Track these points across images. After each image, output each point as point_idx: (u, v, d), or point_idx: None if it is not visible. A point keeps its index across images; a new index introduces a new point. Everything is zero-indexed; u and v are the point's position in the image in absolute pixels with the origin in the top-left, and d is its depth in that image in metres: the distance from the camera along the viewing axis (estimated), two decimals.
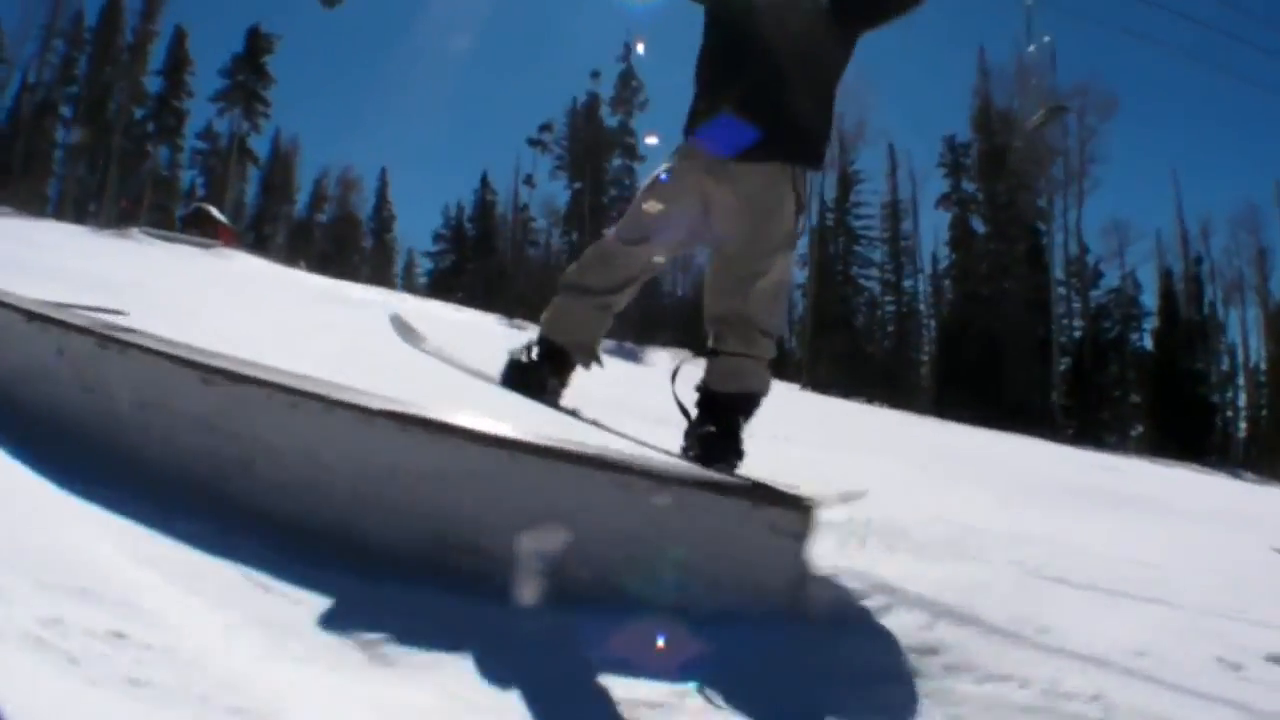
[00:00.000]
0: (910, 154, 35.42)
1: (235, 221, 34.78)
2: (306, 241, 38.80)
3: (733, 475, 1.89)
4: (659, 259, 2.46)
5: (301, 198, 41.49)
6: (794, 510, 1.67)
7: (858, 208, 35.05)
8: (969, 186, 33.73)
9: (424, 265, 41.92)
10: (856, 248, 35.12)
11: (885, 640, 1.66)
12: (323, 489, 1.70)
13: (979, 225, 33.44)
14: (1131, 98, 44.91)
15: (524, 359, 2.47)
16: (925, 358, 34.52)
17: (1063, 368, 31.38)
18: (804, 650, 1.58)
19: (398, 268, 41.82)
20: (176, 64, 36.26)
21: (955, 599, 1.84)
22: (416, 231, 60.29)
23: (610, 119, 37.28)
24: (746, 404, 2.33)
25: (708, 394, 2.33)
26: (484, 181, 40.57)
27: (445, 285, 36.02)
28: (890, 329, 35.28)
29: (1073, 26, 34.02)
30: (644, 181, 2.46)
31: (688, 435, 2.33)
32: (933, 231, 45.74)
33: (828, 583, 1.81)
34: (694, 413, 2.35)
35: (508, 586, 1.58)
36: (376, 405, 1.73)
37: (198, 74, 36.70)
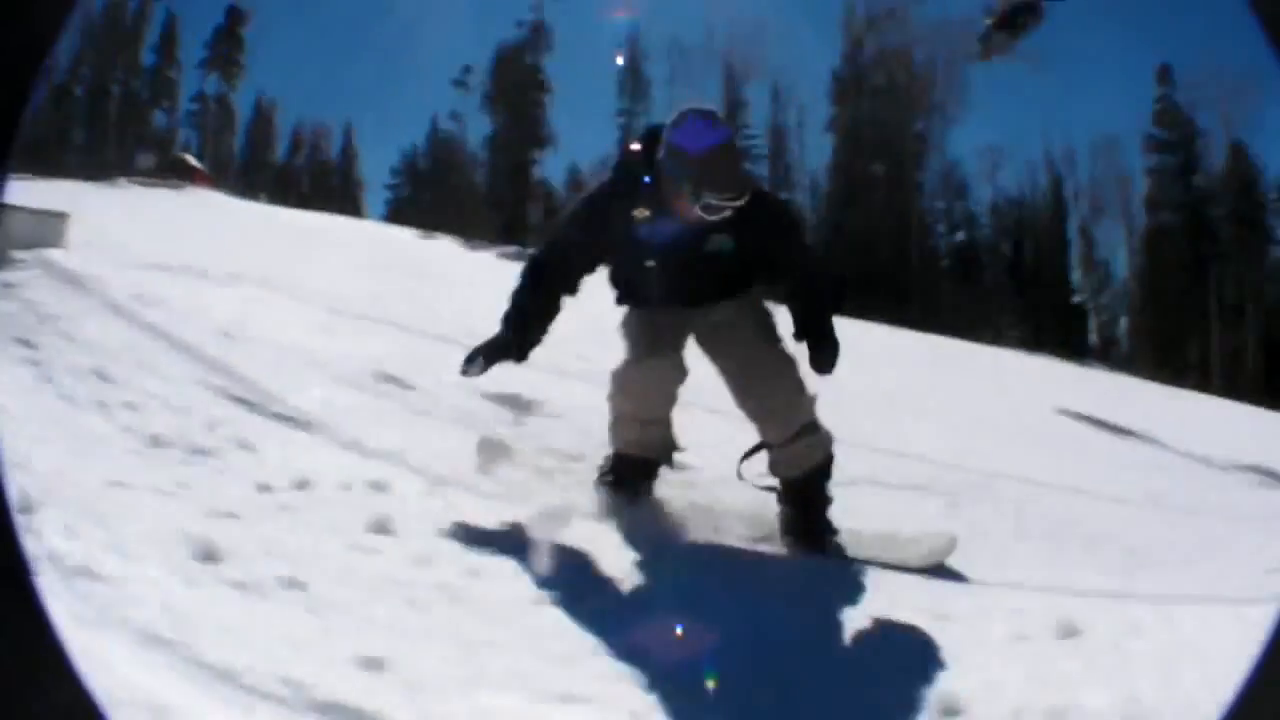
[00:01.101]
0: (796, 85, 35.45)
1: (221, 170, 37.28)
2: (288, 185, 42.02)
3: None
4: (679, 370, 2.44)
5: (282, 146, 44.68)
6: (53, 217, 4.56)
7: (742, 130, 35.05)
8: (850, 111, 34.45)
9: (383, 196, 44.40)
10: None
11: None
12: None
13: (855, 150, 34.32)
14: None
15: (610, 478, 2.54)
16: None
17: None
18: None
19: (362, 202, 44.54)
20: (168, 41, 39.32)
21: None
22: (378, 169, 60.60)
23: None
24: (820, 477, 2.40)
25: (783, 482, 2.42)
26: (434, 125, 42.73)
27: (404, 214, 39.23)
28: None
29: None
30: (626, 352, 2.49)
31: (780, 518, 2.44)
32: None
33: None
34: (776, 491, 2.44)
35: None
36: None
37: (185, 47, 39.72)
